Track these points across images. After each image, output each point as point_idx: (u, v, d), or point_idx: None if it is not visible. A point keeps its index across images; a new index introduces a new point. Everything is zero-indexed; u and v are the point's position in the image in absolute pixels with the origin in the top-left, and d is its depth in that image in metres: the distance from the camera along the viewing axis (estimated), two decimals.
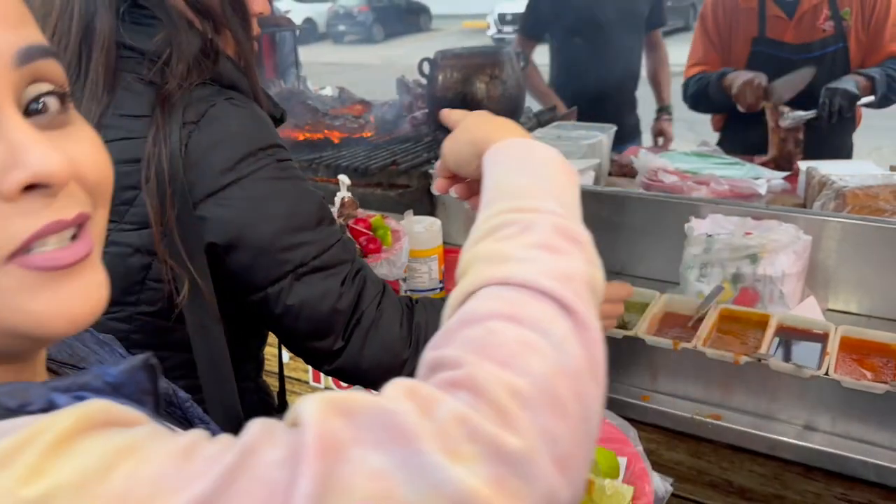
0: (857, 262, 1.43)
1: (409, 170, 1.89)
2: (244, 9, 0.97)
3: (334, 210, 1.50)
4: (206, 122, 0.85)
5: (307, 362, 0.96)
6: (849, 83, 2.08)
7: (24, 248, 0.41)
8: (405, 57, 17.62)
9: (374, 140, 2.23)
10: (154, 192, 0.82)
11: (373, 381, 0.92)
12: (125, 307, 0.88)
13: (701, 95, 2.41)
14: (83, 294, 0.43)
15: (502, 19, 18.48)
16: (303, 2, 20.66)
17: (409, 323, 0.92)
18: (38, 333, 0.43)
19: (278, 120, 1.00)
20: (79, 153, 0.45)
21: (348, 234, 0.95)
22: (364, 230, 1.39)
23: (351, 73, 15.15)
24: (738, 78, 2.21)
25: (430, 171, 1.88)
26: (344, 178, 1.61)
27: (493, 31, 18.78)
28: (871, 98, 2.12)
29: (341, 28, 20.55)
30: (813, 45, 2.24)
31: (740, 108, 2.21)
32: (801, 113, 2.09)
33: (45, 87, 0.44)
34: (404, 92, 2.54)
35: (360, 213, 1.52)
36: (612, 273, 1.69)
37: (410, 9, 22.34)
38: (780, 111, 2.10)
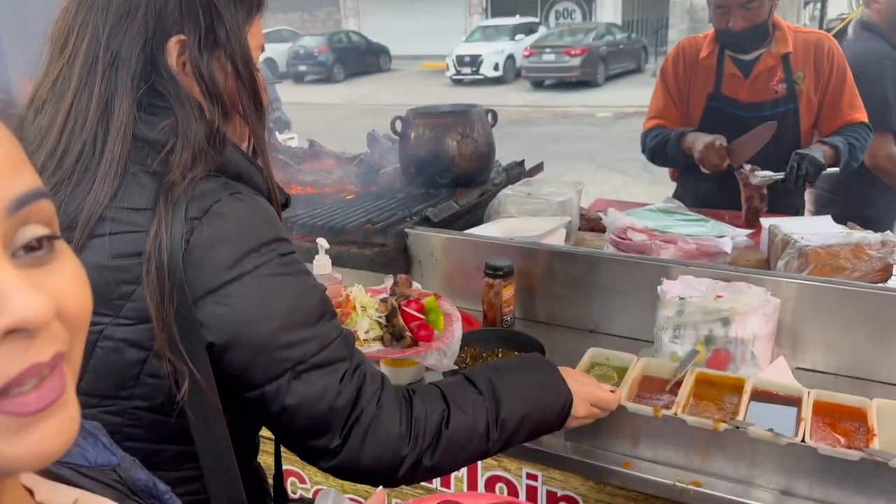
0: (823, 323, 1.48)
1: (385, 228, 1.90)
2: (258, 94, 0.97)
3: (386, 287, 1.47)
4: (209, 219, 0.84)
5: (304, 460, 0.94)
6: (817, 152, 2.18)
7: (2, 393, 0.42)
8: (366, 96, 17.79)
9: (347, 196, 2.25)
10: (154, 286, 0.81)
11: (372, 479, 0.91)
12: (118, 401, 0.86)
13: (659, 151, 2.49)
14: (54, 434, 0.44)
15: (460, 61, 18.82)
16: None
17: (408, 418, 0.92)
18: (8, 471, 0.44)
19: (283, 205, 1.01)
20: (62, 289, 0.46)
21: (347, 329, 0.94)
22: (416, 313, 1.33)
23: (313, 112, 15.23)
24: (699, 141, 2.29)
25: (406, 229, 1.90)
26: (322, 242, 1.61)
27: (451, 71, 19.11)
28: (835, 169, 2.25)
29: (302, 68, 20.67)
30: (765, 104, 2.35)
31: (705, 170, 2.29)
32: (770, 173, 2.18)
33: (36, 230, 0.45)
34: (375, 146, 2.57)
35: (415, 290, 1.45)
36: (587, 331, 1.72)
37: (370, 49, 22.64)
38: (751, 169, 2.19)
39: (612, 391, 1.19)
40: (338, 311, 1.31)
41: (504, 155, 2.59)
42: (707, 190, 2.42)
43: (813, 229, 1.77)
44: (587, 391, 1.13)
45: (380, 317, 1.29)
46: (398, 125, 2.26)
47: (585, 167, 9.09)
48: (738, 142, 2.23)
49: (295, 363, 0.86)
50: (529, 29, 20.27)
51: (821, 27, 17.74)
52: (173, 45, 0.89)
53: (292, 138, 2.83)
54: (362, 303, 1.31)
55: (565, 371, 1.14)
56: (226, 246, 0.84)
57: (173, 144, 0.86)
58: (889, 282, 1.65)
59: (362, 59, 21.97)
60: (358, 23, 27.34)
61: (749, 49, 2.33)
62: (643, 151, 2.60)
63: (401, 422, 0.91)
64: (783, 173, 2.16)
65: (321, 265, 1.61)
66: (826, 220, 1.92)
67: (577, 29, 18.96)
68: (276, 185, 0.99)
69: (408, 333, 1.27)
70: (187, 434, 0.86)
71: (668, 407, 1.22)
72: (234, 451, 0.89)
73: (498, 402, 1.01)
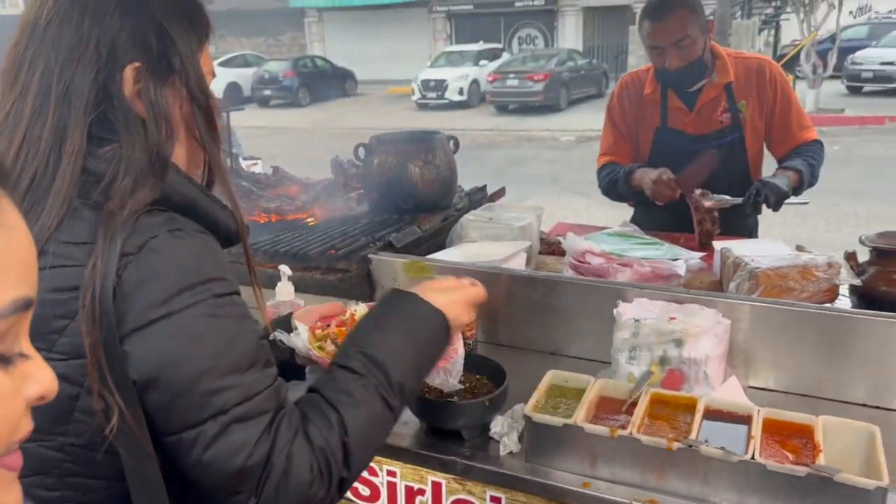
0: (773, 342, 1.54)
1: (349, 254, 1.92)
2: (213, 118, 0.96)
3: None
4: (143, 254, 0.82)
5: None
6: (781, 180, 2.23)
7: (8, 450, 0.49)
8: (332, 121, 17.81)
9: (311, 222, 2.26)
10: (88, 320, 0.79)
11: None
12: (55, 437, 0.84)
13: (611, 187, 2.55)
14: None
15: (426, 85, 18.99)
16: (228, 66, 20.71)
17: (315, 457, 0.88)
18: None
19: (234, 236, 0.98)
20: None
21: (282, 380, 0.92)
22: None
23: (278, 136, 15.19)
24: (647, 177, 2.34)
25: (370, 255, 1.92)
26: (285, 269, 1.63)
27: (417, 96, 19.26)
28: (805, 200, 2.34)
29: (267, 92, 20.65)
30: (711, 135, 2.41)
31: (658, 203, 2.34)
32: (726, 197, 2.25)
33: None
34: (339, 172, 2.59)
35: None
36: (548, 353, 1.75)
37: (336, 74, 22.72)
38: (701, 194, 2.26)
39: (472, 283, 1.17)
40: (345, 330, 1.29)
41: (469, 178, 2.64)
42: (662, 214, 2.48)
43: (763, 252, 1.83)
44: (458, 297, 1.11)
45: None
46: (361, 152, 2.28)
47: (549, 190, 9.21)
48: (685, 172, 2.30)
49: (216, 412, 0.83)
50: (493, 55, 20.57)
51: (775, 53, 18.36)
52: (129, 73, 0.89)
53: (256, 164, 2.83)
54: None
55: (426, 290, 1.10)
56: (157, 283, 0.82)
57: (116, 172, 0.85)
58: (835, 302, 1.72)
59: (328, 83, 22.03)
60: (323, 48, 27.48)
61: (688, 84, 2.38)
62: (599, 186, 2.65)
63: (311, 467, 0.87)
64: (740, 198, 2.22)
65: (284, 292, 1.62)
66: (776, 243, 1.99)
67: (539, 55, 19.30)
68: (238, 211, 0.98)
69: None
70: (123, 472, 0.85)
71: (624, 427, 1.25)
72: (167, 491, 0.86)
73: (383, 368, 0.97)
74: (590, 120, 14.25)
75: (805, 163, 2.34)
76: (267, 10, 26.82)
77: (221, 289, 0.87)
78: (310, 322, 1.31)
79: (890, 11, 28.91)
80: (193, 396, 0.82)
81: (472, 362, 1.56)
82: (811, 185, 2.37)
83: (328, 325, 1.33)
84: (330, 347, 1.27)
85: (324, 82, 21.80)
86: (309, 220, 2.28)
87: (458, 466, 1.37)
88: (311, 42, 28.29)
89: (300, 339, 1.24)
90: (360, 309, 1.37)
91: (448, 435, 1.42)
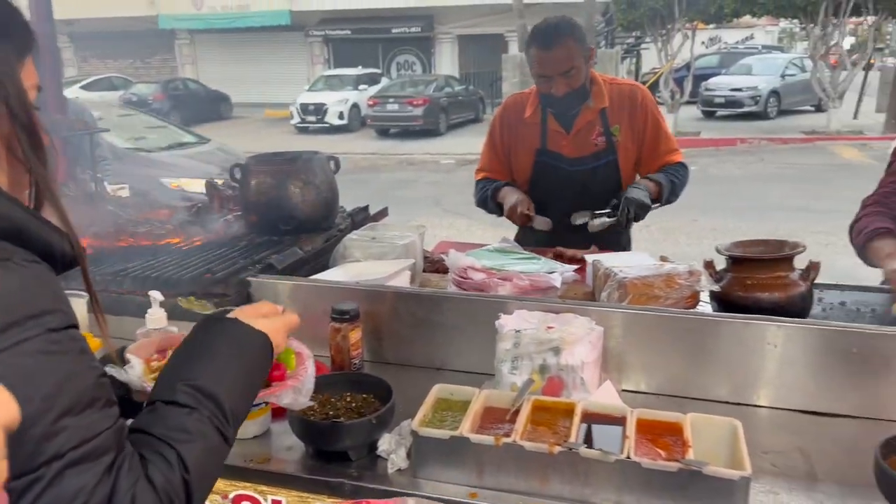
0: (642, 347, 1.62)
1: (226, 278, 1.86)
2: (37, 136, 0.89)
3: None
4: None
5: None
6: (642, 192, 2.39)
7: None
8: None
9: (185, 246, 2.17)
10: None
11: None
12: None
13: (483, 202, 2.69)
14: None
15: (304, 109, 18.80)
16: (91, 90, 19.63)
17: (158, 497, 0.84)
18: None
19: (71, 259, 0.91)
20: None
21: (123, 421, 0.86)
22: None
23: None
24: (507, 199, 2.50)
25: (249, 278, 1.86)
26: (156, 295, 1.55)
27: (296, 119, 19.02)
28: (657, 204, 2.50)
29: None
30: (587, 157, 2.54)
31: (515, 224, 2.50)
32: (605, 220, 2.38)
33: None
34: (213, 194, 2.51)
35: None
36: (434, 369, 1.77)
37: (210, 97, 22.08)
38: (590, 216, 2.41)
39: (284, 311, 1.17)
40: None
41: (352, 201, 2.63)
42: (540, 235, 2.58)
43: (630, 263, 1.94)
44: (278, 324, 1.10)
45: None
46: (237, 172, 2.23)
47: (432, 211, 9.33)
48: (538, 219, 2.47)
49: (50, 457, 0.77)
50: (372, 79, 20.68)
51: (637, 79, 19.60)
52: None
53: (123, 188, 2.69)
54: None
55: (245, 314, 1.08)
56: None
57: None
58: (697, 307, 1.84)
59: (201, 106, 21.33)
60: (196, 70, 26.64)
61: (570, 109, 2.49)
62: (474, 198, 2.75)
63: None
64: (615, 217, 2.35)
65: (154, 319, 1.54)
66: (642, 255, 2.11)
67: (418, 80, 19.60)
68: (73, 233, 0.91)
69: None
70: None
71: (507, 435, 1.28)
72: None
73: (214, 398, 0.94)
74: (469, 144, 14.59)
75: (667, 178, 2.50)
76: (135, 32, 25.72)
77: (57, 322, 0.81)
78: (145, 354, 1.23)
79: (737, 42, 31.70)
80: (25, 442, 0.75)
81: (358, 382, 1.55)
82: (670, 201, 2.54)
83: (165, 356, 1.28)
84: None
85: (196, 105, 21.10)
86: (182, 244, 2.19)
87: (347, 488, 1.34)
88: (183, 65, 27.34)
89: (134, 372, 1.14)
90: None
91: (334, 457, 1.40)
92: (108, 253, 2.08)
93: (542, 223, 2.48)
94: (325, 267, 2.09)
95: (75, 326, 0.84)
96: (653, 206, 2.44)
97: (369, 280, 1.86)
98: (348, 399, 1.50)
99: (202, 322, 1.07)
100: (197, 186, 6.59)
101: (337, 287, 1.81)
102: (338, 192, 2.34)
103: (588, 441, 1.28)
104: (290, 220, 2.18)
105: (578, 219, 2.44)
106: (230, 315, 1.07)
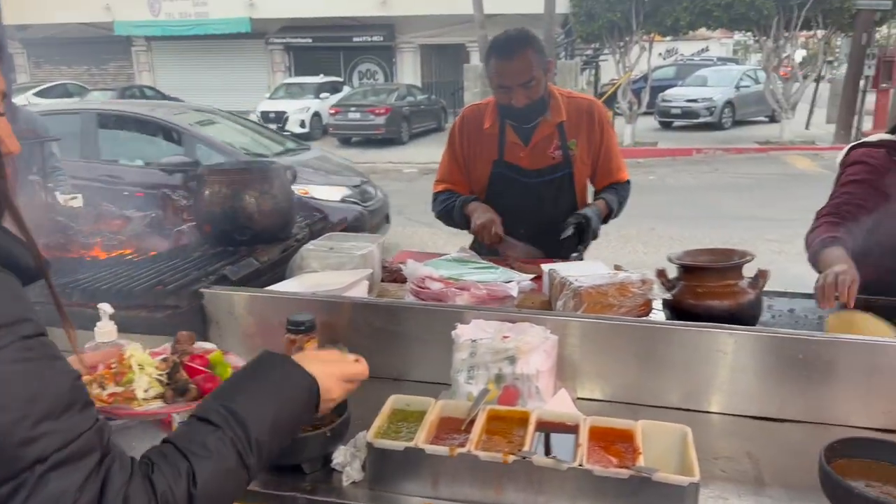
0: (596, 355, 1.64)
1: (178, 290, 1.83)
2: None
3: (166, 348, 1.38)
4: None
5: None
6: (594, 213, 2.45)
7: None
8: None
9: (137, 258, 2.13)
10: None
11: None
12: None
13: (447, 214, 2.66)
14: None
15: (265, 117, 18.63)
16: (45, 96, 19.19)
17: (155, 501, 0.85)
18: None
19: (34, 271, 0.92)
20: None
21: (102, 418, 0.87)
22: (201, 368, 1.29)
23: None
24: (476, 216, 2.47)
25: (202, 289, 1.83)
26: (105, 307, 1.52)
27: None
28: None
29: None
30: (544, 170, 2.57)
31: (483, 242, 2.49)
32: (562, 235, 2.40)
33: None
34: (167, 205, 2.47)
35: (198, 347, 1.41)
36: (391, 380, 1.76)
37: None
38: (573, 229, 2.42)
39: (356, 360, 1.20)
40: (114, 371, 1.23)
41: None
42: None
43: (585, 272, 1.96)
44: (334, 370, 1.13)
45: (160, 375, 1.24)
46: (191, 183, 2.19)
47: (394, 220, 9.30)
48: (511, 244, 2.49)
49: (32, 461, 0.78)
50: (334, 88, 20.59)
51: (596, 91, 19.87)
52: None
53: (76, 198, 2.63)
54: (140, 361, 1.26)
55: (303, 357, 1.11)
56: None
57: None
58: (650, 315, 1.87)
59: None
60: (153, 77, 26.20)
61: (529, 121, 2.52)
62: (433, 210, 2.74)
63: None
64: (570, 231, 2.38)
65: (104, 332, 1.51)
66: (597, 264, 2.13)
67: (380, 89, 19.59)
68: (33, 245, 0.91)
69: (192, 386, 1.23)
70: None
71: (462, 445, 1.28)
72: None
73: (243, 424, 0.96)
74: (431, 153, 14.62)
75: (615, 198, 2.58)
76: (90, 38, 25.24)
77: (28, 330, 0.82)
78: (82, 369, 1.23)
79: (693, 54, 32.43)
80: (6, 449, 0.77)
81: None
82: (614, 218, 2.62)
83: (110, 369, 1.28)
84: (96, 391, 1.22)
85: None
86: (135, 255, 2.14)
87: (300, 502, 1.33)
88: (140, 72, 26.87)
89: None
90: (131, 349, 1.32)
91: (288, 471, 1.38)
92: (58, 264, 2.03)
93: (514, 249, 2.50)
94: (281, 277, 2.07)
95: (45, 334, 0.85)
96: (601, 224, 2.53)
97: (326, 291, 1.85)
98: None
99: (261, 354, 1.11)
100: (325, 193, 6.55)
101: (293, 298, 1.80)
102: (295, 202, 2.32)
103: (541, 449, 1.29)
104: (246, 231, 2.15)
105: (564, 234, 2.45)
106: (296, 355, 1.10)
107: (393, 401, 1.46)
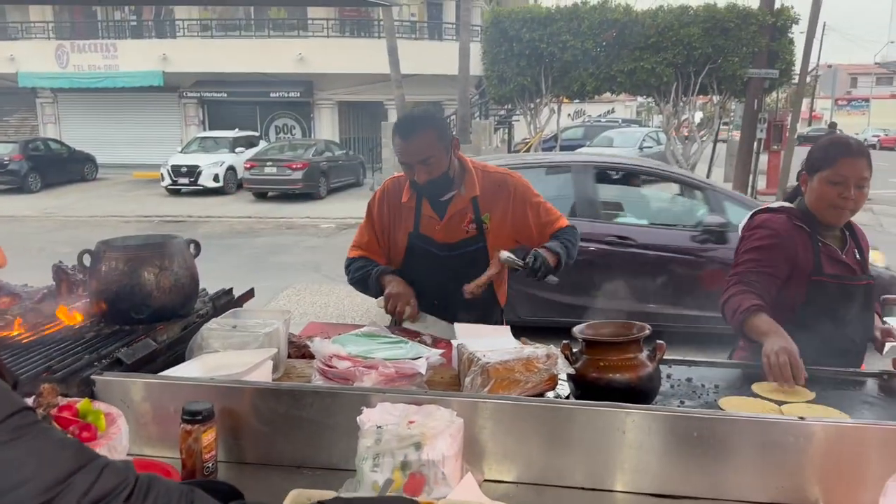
0: (503, 436, 1.65)
1: (67, 377, 1.72)
2: None
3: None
4: None
5: None
6: (550, 256, 2.50)
7: None
8: (68, 208, 16.30)
9: (25, 339, 2.01)
10: None
11: None
12: None
13: (360, 282, 2.69)
14: None
15: (176, 171, 18.25)
16: None
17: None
18: None
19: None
20: None
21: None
22: (72, 418, 1.26)
23: (3, 226, 13.52)
24: (390, 293, 2.52)
25: (93, 376, 1.74)
26: None
27: (167, 181, 18.41)
28: (555, 279, 2.64)
29: None
30: (458, 244, 2.62)
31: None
32: (514, 259, 2.45)
33: None
34: (62, 279, 2.36)
35: (61, 399, 1.40)
36: (293, 468, 1.70)
37: (73, 158, 21.05)
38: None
39: None
40: None
41: (226, 267, 2.57)
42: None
43: (493, 346, 1.98)
44: None
45: None
46: (86, 259, 2.10)
47: (311, 277, 9.19)
48: (420, 317, 2.54)
49: None
50: (250, 142, 20.42)
51: (509, 149, 20.48)
52: None
53: None
54: None
55: None
56: None
57: None
58: (557, 389, 1.90)
59: (63, 167, 20.27)
60: (58, 130, 25.30)
61: (438, 195, 2.57)
62: (347, 277, 2.74)
63: None
64: (523, 262, 2.43)
65: None
66: (505, 337, 2.16)
67: (297, 144, 19.57)
68: None
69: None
70: None
71: None
72: None
73: None
74: (350, 208, 14.63)
75: (561, 244, 2.59)
76: None
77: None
78: None
79: (599, 115, 34.07)
80: None
81: (205, 488, 1.46)
82: (568, 264, 2.63)
83: None
84: None
85: (58, 166, 20.02)
86: (22, 336, 2.02)
87: None
88: (45, 124, 25.91)
89: None
90: None
91: None
92: None
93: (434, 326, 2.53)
94: (181, 358, 1.99)
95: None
96: (556, 272, 2.55)
97: (226, 375, 1.79)
98: None
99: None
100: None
101: (190, 384, 1.73)
102: (198, 278, 2.26)
103: None
104: (143, 309, 2.07)
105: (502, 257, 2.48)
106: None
107: (294, 496, 1.41)
